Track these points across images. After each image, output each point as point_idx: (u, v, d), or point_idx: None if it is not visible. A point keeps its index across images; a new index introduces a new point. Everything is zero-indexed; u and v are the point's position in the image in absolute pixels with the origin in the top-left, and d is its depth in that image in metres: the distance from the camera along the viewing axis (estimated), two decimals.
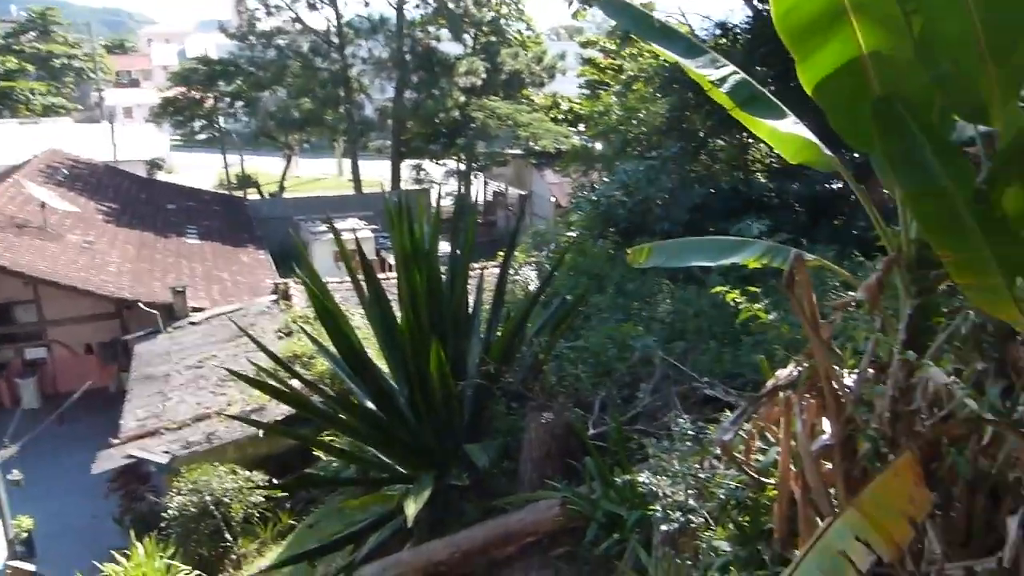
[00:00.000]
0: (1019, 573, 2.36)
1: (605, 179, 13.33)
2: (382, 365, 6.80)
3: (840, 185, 10.89)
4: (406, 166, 31.71)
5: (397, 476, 6.22)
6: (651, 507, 4.54)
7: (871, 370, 3.26)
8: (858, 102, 2.59)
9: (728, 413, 4.14)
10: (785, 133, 3.32)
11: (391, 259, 17.44)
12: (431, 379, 5.62)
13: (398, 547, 5.81)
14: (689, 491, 4.39)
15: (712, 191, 11.07)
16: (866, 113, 2.32)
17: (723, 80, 3.36)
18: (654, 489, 4.56)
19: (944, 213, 2.35)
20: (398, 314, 6.19)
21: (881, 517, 2.12)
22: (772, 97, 3.47)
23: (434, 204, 6.96)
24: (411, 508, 5.00)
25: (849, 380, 3.41)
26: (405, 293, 5.90)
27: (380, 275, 9.12)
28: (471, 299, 7.02)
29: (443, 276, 6.41)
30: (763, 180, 11.48)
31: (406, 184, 31.03)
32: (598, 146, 16.19)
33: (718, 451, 3.87)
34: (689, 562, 4.10)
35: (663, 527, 4.36)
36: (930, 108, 2.64)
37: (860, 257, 6.44)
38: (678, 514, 4.29)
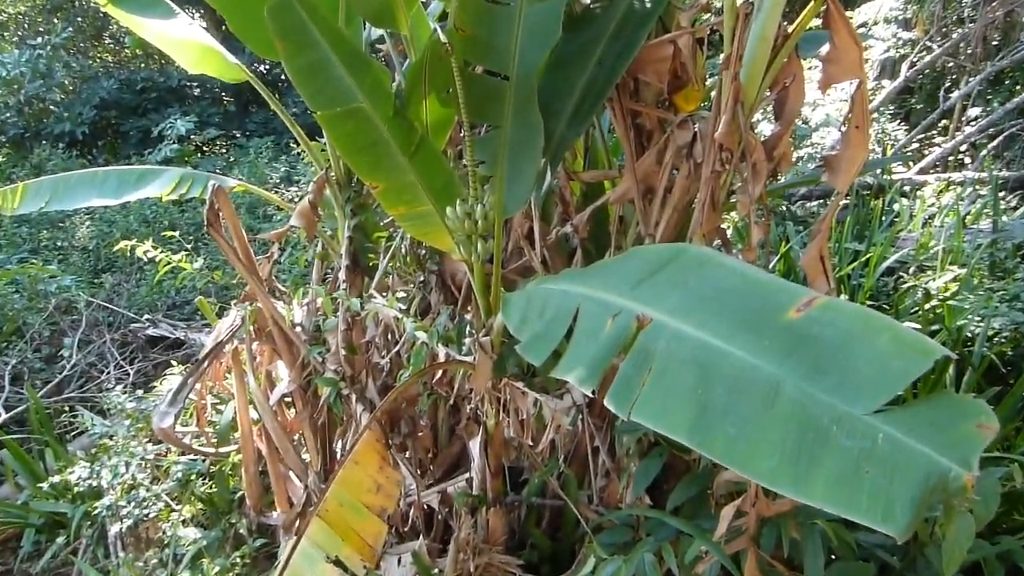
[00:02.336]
0: (484, 490, 2.29)
1: None
2: None
3: (269, 66, 10.17)
4: None
5: None
6: (95, 502, 3.39)
7: (321, 304, 2.82)
8: (255, 2, 2.20)
9: (175, 377, 3.36)
10: (179, 39, 2.79)
11: None
12: None
13: None
14: (140, 473, 3.41)
15: (123, 83, 8.92)
16: (263, 16, 1.81)
17: None
18: (94, 481, 3.42)
19: (362, 136, 1.98)
20: None
21: (350, 520, 1.69)
22: None
23: None
24: None
25: (300, 317, 2.96)
26: None
27: None
28: None
29: None
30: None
31: None
32: None
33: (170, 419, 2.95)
34: (156, 558, 3.21)
35: (115, 526, 3.33)
36: (335, 10, 2.41)
37: (298, 146, 6.02)
38: (131, 506, 3.29)
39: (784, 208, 4.94)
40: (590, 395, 1.36)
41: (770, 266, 3.48)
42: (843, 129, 1.78)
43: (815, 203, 5.27)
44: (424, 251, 2.88)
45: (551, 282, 1.69)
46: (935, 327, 3.34)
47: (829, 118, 6.17)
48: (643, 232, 2.21)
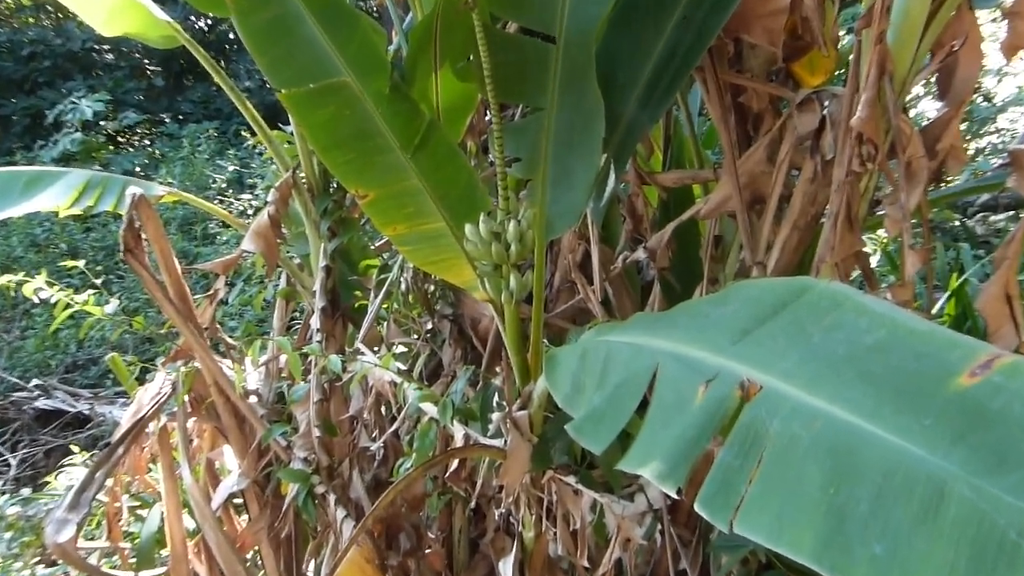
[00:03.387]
0: None
1: None
2: None
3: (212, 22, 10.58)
4: None
5: None
6: None
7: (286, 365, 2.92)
8: None
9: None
10: None
11: None
12: None
13: None
14: None
15: (3, 47, 9.35)
16: None
17: None
18: None
19: (345, 123, 2.08)
20: None
21: None
22: None
23: None
24: None
25: (256, 382, 3.06)
26: None
27: None
28: None
29: None
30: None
31: None
32: None
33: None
34: None
35: None
36: None
37: (253, 137, 6.21)
38: None
39: (956, 224, 4.89)
40: (674, 496, 1.39)
41: (934, 309, 3.47)
42: None
43: (1001, 216, 5.20)
44: (433, 287, 2.93)
45: (616, 332, 1.71)
46: None
47: (1022, 93, 6.11)
48: (749, 260, 2.25)
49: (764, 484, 1.17)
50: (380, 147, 2.11)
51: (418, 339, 3.04)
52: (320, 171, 2.94)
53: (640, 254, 2.43)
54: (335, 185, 2.95)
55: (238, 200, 8.02)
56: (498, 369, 2.68)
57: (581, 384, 1.64)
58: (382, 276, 3.01)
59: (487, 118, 2.16)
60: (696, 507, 1.19)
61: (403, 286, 2.95)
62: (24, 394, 5.24)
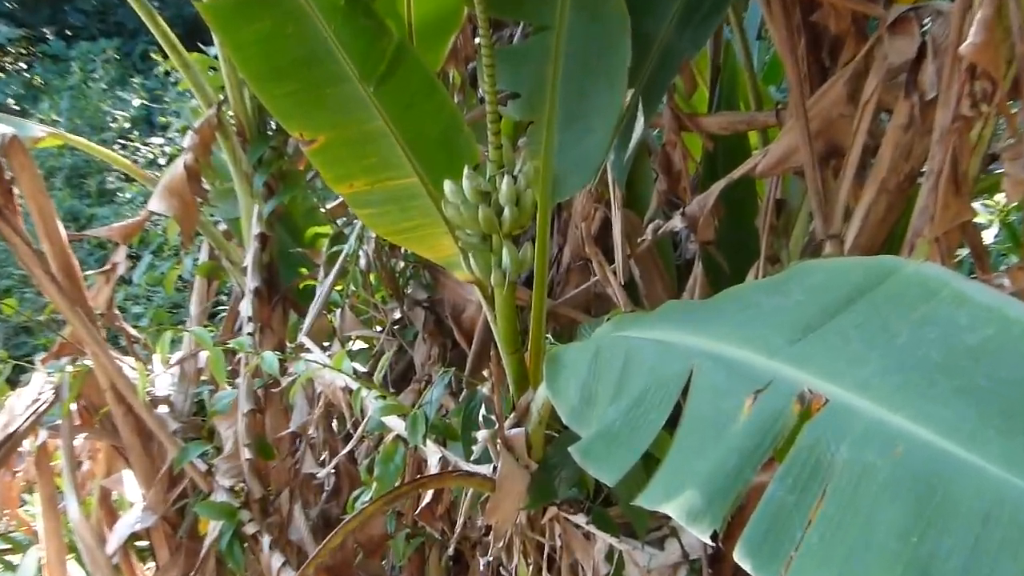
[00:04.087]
0: None
1: None
2: None
3: None
4: None
5: None
6: None
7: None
8: None
9: None
10: None
11: None
12: None
13: None
14: None
15: None
16: None
17: None
18: None
19: (287, 44, 2.09)
20: None
21: None
22: None
23: None
24: None
25: (168, 386, 3.07)
26: None
27: None
28: None
29: None
30: None
31: None
32: None
33: None
34: None
35: None
36: None
37: (165, 61, 6.18)
38: None
39: None
40: (711, 543, 1.38)
41: None
42: None
43: None
44: (403, 264, 2.93)
45: (640, 325, 1.71)
46: None
47: None
48: (820, 232, 2.23)
49: (826, 528, 1.16)
50: (333, 76, 2.11)
51: (382, 332, 3.04)
52: (254, 108, 2.94)
53: (677, 223, 2.40)
54: (273, 127, 2.96)
55: (146, 145, 8.01)
56: (486, 373, 2.65)
57: (593, 393, 1.64)
58: (335, 249, 2.99)
59: (476, 40, 2.13)
60: (736, 556, 1.19)
61: (362, 262, 2.93)
62: None
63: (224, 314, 3.22)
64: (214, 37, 2.39)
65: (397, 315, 2.95)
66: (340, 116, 2.15)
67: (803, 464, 1.23)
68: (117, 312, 3.03)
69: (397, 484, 2.37)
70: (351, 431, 2.60)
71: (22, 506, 3.45)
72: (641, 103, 2.33)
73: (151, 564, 3.25)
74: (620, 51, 2.08)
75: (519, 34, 2.50)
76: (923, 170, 2.04)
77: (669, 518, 2.10)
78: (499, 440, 2.14)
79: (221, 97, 2.92)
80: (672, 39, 2.24)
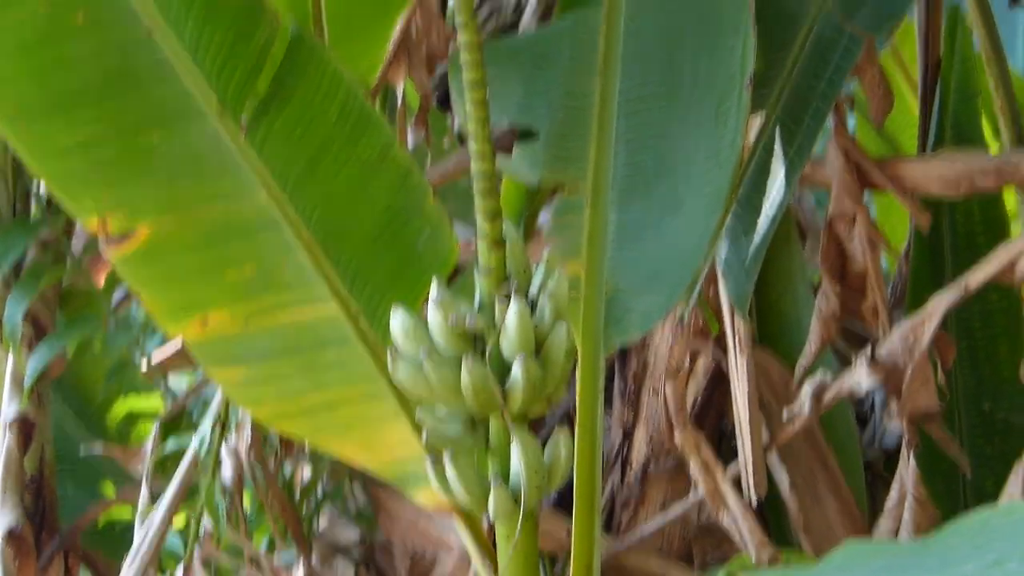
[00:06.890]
0: None
1: None
2: None
3: None
4: None
5: None
6: None
7: None
8: None
9: None
10: None
11: None
12: None
13: None
14: None
15: None
16: None
17: None
18: None
19: (78, 46, 1.50)
20: None
21: None
22: None
23: None
24: None
25: None
26: None
27: None
28: None
29: None
30: None
31: None
32: None
33: None
34: None
35: None
36: None
37: None
38: None
39: None
40: None
41: None
42: None
43: None
44: (311, 475, 2.42)
45: None
46: None
47: None
48: None
49: None
50: (166, 107, 1.52)
51: None
52: (5, 168, 2.25)
53: (862, 377, 1.73)
54: (47, 205, 2.27)
55: None
56: None
57: None
58: (170, 446, 2.28)
59: (450, 25, 1.67)
60: None
61: (227, 471, 2.21)
62: None
63: None
64: None
65: (299, 574, 2.20)
66: (180, 185, 1.55)
67: None
68: None
69: None
70: None
71: None
72: (780, 140, 1.71)
73: None
74: (735, 43, 1.50)
75: (529, 12, 1.80)
76: None
77: None
78: None
79: None
80: (833, 19, 1.74)
